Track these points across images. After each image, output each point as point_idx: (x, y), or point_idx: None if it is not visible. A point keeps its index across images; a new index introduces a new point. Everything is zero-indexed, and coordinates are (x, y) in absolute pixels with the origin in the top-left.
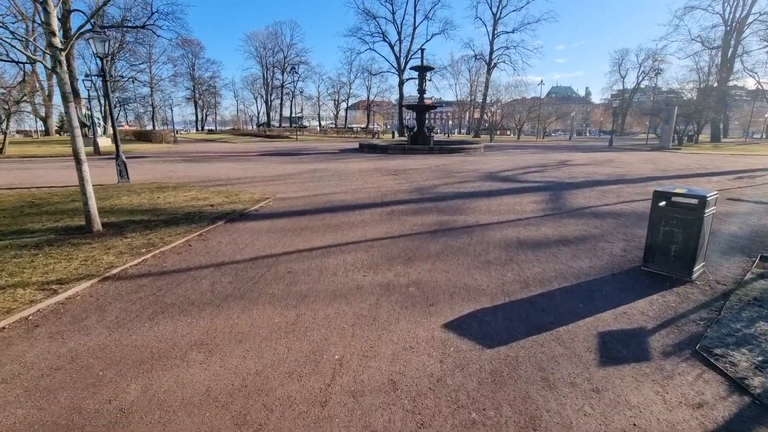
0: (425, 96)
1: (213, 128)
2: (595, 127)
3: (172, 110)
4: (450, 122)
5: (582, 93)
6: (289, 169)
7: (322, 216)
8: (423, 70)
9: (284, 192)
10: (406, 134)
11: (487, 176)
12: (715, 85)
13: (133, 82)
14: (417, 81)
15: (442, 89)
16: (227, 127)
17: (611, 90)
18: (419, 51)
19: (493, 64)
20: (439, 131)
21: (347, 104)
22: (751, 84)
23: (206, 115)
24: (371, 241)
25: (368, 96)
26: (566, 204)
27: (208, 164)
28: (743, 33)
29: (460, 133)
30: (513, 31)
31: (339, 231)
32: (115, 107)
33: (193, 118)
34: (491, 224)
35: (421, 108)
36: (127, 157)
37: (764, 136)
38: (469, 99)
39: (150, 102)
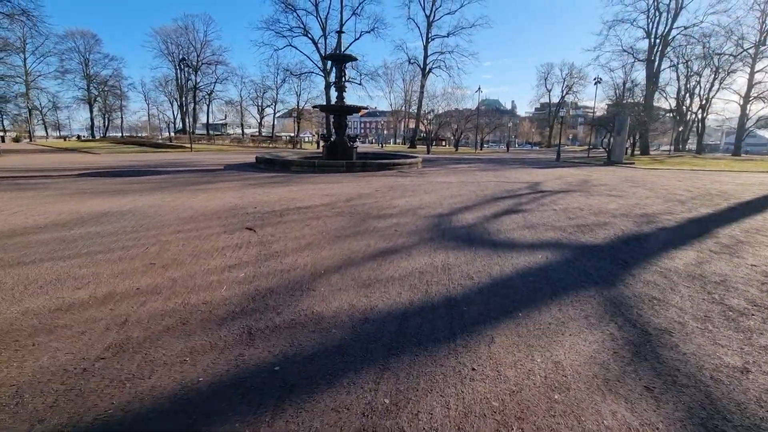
0: (354, 97)
1: (120, 134)
2: (522, 138)
3: (29, 112)
4: (385, 131)
5: (509, 106)
6: (48, 212)
7: None
8: (341, 61)
9: None
10: (323, 145)
11: (435, 229)
12: (633, 100)
13: None
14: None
15: (376, 98)
16: (138, 134)
17: (538, 102)
18: (348, 47)
19: (428, 70)
20: (373, 141)
21: (274, 110)
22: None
23: (109, 120)
24: None
25: (297, 102)
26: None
27: None
28: (667, 48)
29: (395, 143)
30: (447, 35)
31: None
32: None
33: (98, 122)
34: None
35: (338, 110)
36: None
37: (673, 149)
38: (403, 108)
39: (25, 102)
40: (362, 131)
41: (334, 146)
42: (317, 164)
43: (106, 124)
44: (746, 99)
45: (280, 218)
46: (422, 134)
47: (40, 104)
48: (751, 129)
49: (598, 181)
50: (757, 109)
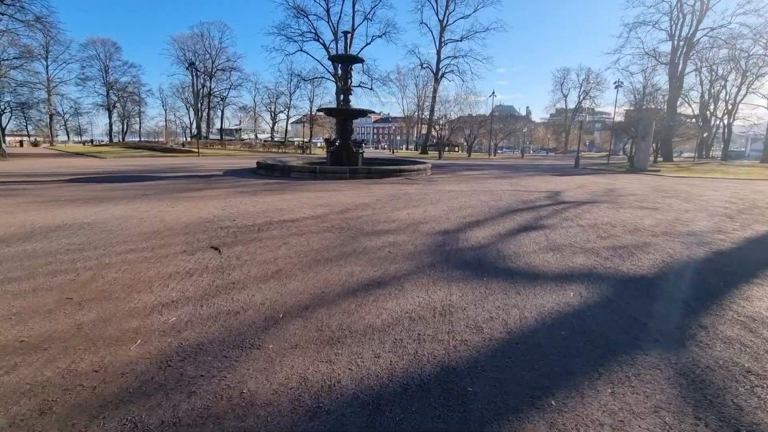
0: (362, 100)
1: (138, 139)
2: (537, 144)
3: (50, 118)
4: (398, 137)
5: (523, 112)
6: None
7: None
8: (347, 62)
9: None
10: (328, 150)
11: (438, 251)
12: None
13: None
14: (347, 80)
15: (388, 104)
16: (157, 139)
17: (553, 108)
18: (359, 51)
19: (440, 74)
20: (386, 146)
21: (287, 115)
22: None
23: (127, 126)
24: None
25: (310, 108)
26: None
27: None
28: (692, 51)
29: (407, 149)
30: (461, 39)
31: None
32: (4, 111)
33: (117, 127)
34: None
35: (343, 113)
36: None
37: (696, 155)
38: (416, 114)
39: (46, 108)
40: (375, 137)
41: (339, 152)
42: (318, 171)
43: (125, 129)
44: None
45: (257, 234)
46: (434, 140)
47: (62, 110)
48: None
49: (624, 191)
50: None
